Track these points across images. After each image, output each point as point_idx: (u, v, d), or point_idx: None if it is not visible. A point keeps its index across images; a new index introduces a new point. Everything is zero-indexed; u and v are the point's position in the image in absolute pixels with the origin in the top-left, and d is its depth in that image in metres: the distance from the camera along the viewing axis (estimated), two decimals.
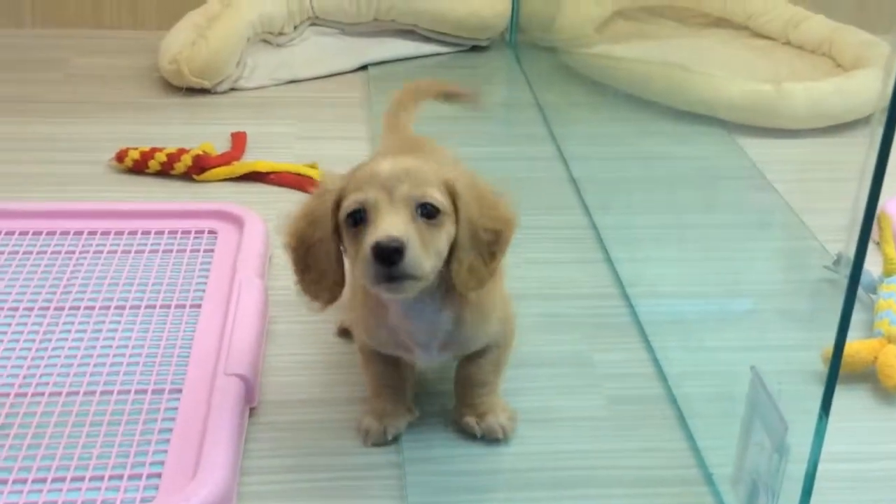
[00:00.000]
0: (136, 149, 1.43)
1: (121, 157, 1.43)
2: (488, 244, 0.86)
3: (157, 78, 1.74)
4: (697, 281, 1.25)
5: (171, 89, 1.72)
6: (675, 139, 1.59)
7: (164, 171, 1.43)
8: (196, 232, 1.25)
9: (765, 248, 1.29)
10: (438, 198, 0.82)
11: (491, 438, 0.97)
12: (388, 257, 0.78)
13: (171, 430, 0.94)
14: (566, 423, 1.01)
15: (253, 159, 1.47)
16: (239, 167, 1.44)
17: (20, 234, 1.22)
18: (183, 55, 1.67)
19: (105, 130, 1.56)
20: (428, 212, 0.82)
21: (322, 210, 0.86)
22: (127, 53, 1.85)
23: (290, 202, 1.38)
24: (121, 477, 0.88)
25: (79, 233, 1.23)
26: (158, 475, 0.89)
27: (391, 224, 0.80)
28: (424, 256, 0.80)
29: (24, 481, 0.87)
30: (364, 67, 1.84)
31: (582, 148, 1.56)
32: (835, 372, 0.73)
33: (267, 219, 1.27)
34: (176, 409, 0.96)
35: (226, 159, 1.45)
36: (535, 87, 1.78)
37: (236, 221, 1.25)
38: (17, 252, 1.19)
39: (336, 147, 1.55)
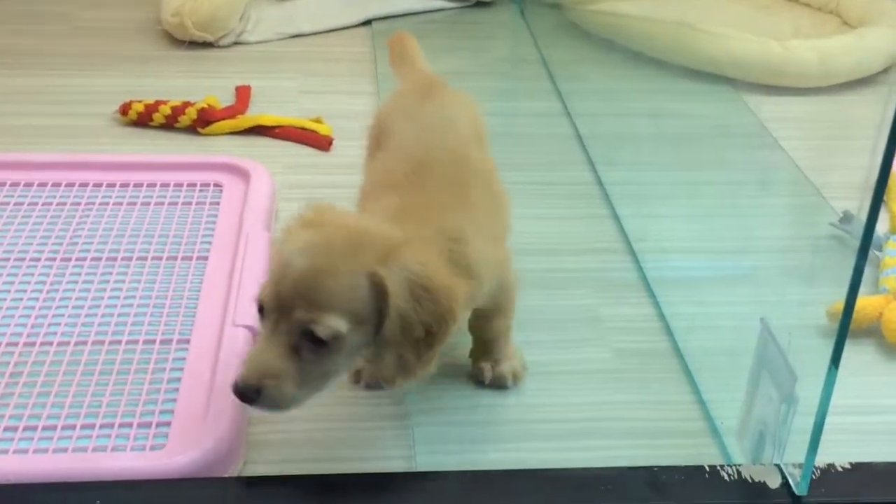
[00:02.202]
0: (140, 101, 1.42)
1: (125, 109, 1.42)
2: (424, 338, 0.79)
3: (159, 31, 1.73)
4: (704, 237, 1.25)
5: (173, 42, 1.70)
6: (682, 96, 1.59)
7: (169, 125, 1.42)
8: (202, 184, 1.24)
9: (771, 206, 1.30)
10: (331, 326, 0.75)
11: (499, 385, 0.98)
12: (244, 398, 0.76)
13: (179, 379, 0.94)
14: (573, 376, 1.01)
15: (257, 113, 1.46)
16: (244, 121, 1.43)
17: (25, 185, 1.22)
18: (186, 8, 1.66)
19: (108, 83, 1.55)
20: (315, 340, 0.76)
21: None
22: (129, 6, 1.84)
23: (296, 156, 1.40)
24: (130, 425, 0.89)
25: (84, 184, 1.23)
26: (168, 423, 0.89)
27: (257, 360, 0.76)
28: (293, 390, 0.76)
29: (35, 428, 0.88)
30: (368, 22, 1.82)
31: (588, 104, 1.55)
32: (846, 321, 0.73)
33: (273, 172, 1.27)
34: (184, 359, 0.97)
35: (230, 113, 1.44)
36: (541, 44, 1.77)
37: (242, 174, 1.25)
38: (22, 203, 1.19)
39: (341, 101, 1.54)
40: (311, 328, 0.75)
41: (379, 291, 0.76)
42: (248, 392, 0.76)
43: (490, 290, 0.90)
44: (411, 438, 0.92)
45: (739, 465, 0.82)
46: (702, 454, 0.92)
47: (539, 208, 1.30)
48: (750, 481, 0.81)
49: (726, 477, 0.81)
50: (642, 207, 1.29)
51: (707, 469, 0.82)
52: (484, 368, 0.98)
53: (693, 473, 0.81)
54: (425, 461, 0.89)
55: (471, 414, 0.96)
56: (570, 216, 1.29)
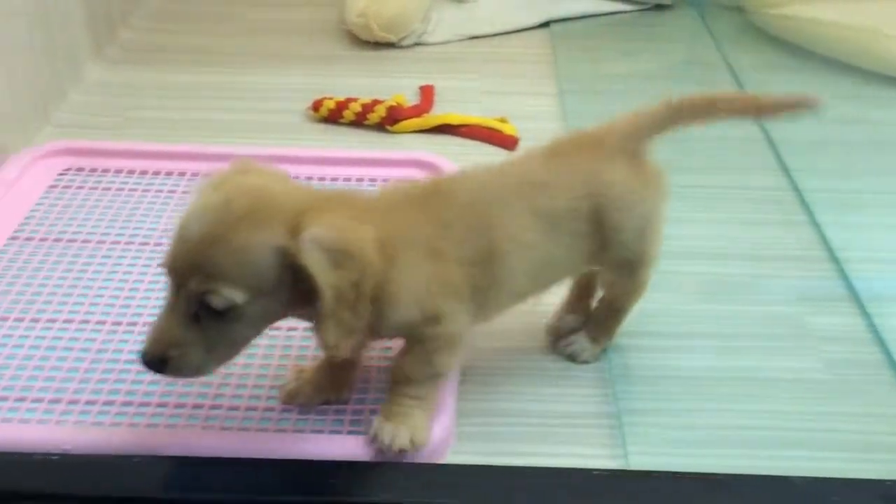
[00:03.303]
0: (331, 98, 1.46)
1: (317, 106, 1.46)
2: (356, 297, 0.75)
3: (342, 31, 1.77)
4: None
5: (356, 42, 1.74)
6: (877, 102, 1.52)
7: (358, 121, 1.45)
8: (397, 180, 1.26)
9: None
10: (226, 297, 0.73)
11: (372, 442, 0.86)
12: (151, 368, 0.76)
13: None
14: (783, 384, 0.98)
15: (442, 112, 1.48)
16: (430, 119, 1.45)
17: None
18: (371, 10, 1.69)
19: (298, 81, 1.59)
20: (212, 309, 0.74)
21: None
22: (311, 7, 1.88)
23: (481, 155, 1.40)
24: (326, 411, 0.90)
25: None
26: (362, 409, 0.91)
27: (159, 330, 0.75)
28: (199, 357, 0.76)
29: (237, 408, 0.90)
30: (546, 24, 1.82)
31: None
32: None
33: None
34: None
35: (417, 111, 1.46)
36: (722, 47, 1.73)
37: (435, 171, 1.26)
38: None
39: (523, 102, 1.54)
40: (205, 299, 0.73)
41: (289, 263, 0.73)
42: (154, 363, 0.75)
43: (406, 322, 0.82)
44: (622, 437, 0.91)
45: None
46: None
47: (729, 212, 1.27)
48: None
49: None
50: (845, 215, 1.24)
51: None
52: (373, 424, 0.86)
53: None
54: (637, 461, 0.88)
55: (680, 416, 0.94)
56: (764, 221, 1.25)
